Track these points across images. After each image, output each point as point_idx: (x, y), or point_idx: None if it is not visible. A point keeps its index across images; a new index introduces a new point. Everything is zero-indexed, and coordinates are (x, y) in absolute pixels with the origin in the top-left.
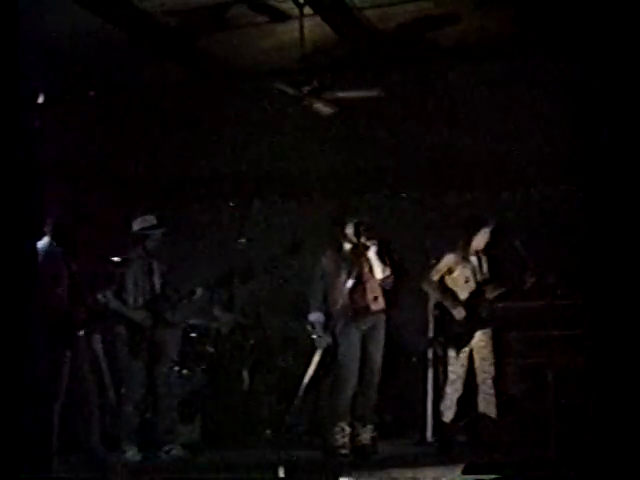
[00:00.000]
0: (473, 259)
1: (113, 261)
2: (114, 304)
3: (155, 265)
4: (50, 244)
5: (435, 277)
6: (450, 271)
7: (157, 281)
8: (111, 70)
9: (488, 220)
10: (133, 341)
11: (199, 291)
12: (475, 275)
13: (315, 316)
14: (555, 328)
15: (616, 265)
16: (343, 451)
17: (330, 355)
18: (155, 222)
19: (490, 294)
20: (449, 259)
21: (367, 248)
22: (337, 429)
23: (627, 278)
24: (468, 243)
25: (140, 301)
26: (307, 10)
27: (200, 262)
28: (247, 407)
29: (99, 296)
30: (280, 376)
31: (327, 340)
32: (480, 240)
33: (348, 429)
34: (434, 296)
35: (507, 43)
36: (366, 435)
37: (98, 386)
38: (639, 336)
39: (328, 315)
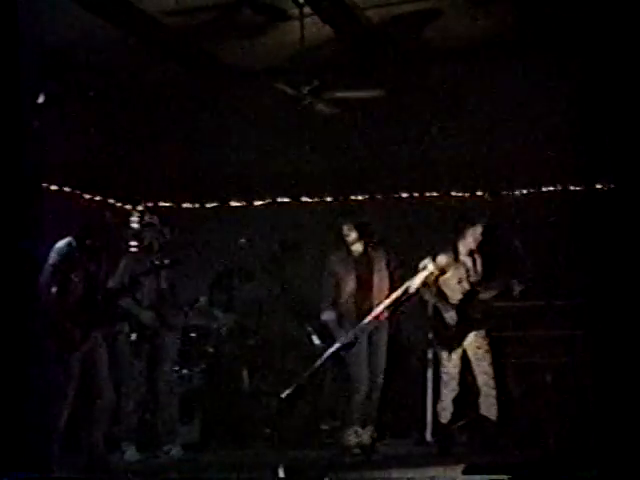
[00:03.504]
0: (467, 259)
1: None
2: (125, 302)
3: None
4: (69, 244)
5: (429, 279)
6: (443, 272)
7: (163, 282)
8: (111, 70)
9: (476, 219)
10: (137, 341)
11: (202, 299)
12: (469, 276)
13: (327, 315)
14: (555, 328)
15: (615, 265)
16: (355, 451)
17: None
18: (158, 222)
19: (484, 295)
20: (441, 260)
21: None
22: (350, 431)
23: (626, 279)
24: (454, 243)
25: (146, 301)
26: (307, 10)
27: (200, 262)
28: (247, 407)
29: (113, 295)
30: (280, 376)
31: (351, 337)
32: (471, 240)
33: (361, 431)
34: (428, 299)
35: (507, 42)
36: (366, 435)
37: (100, 387)
38: (638, 336)
39: (341, 314)
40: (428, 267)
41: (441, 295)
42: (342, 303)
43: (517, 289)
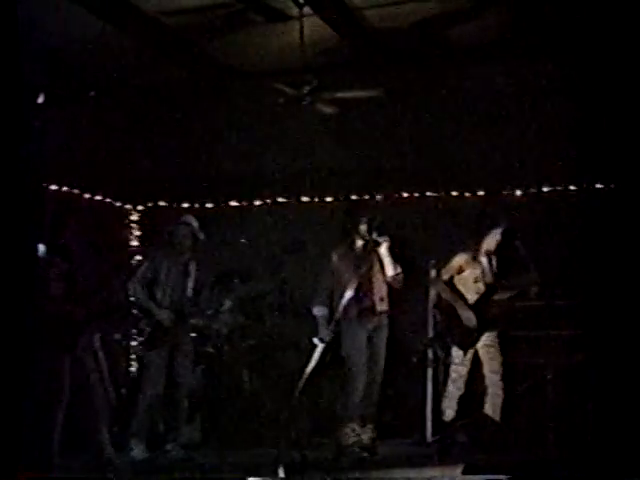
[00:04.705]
0: (484, 260)
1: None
2: (143, 299)
3: (192, 268)
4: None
5: (445, 277)
6: (460, 271)
7: (190, 284)
8: (111, 70)
9: (500, 220)
10: (154, 340)
11: (227, 303)
12: (485, 276)
13: (319, 310)
14: (555, 328)
15: (616, 265)
16: (354, 451)
17: (334, 351)
18: (194, 222)
19: (501, 296)
20: (460, 258)
21: (378, 244)
22: (348, 429)
23: (627, 279)
24: (478, 243)
25: (167, 300)
26: (307, 10)
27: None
28: (247, 407)
29: (129, 286)
30: (280, 376)
31: (330, 333)
32: (491, 241)
33: (359, 429)
34: (445, 297)
35: (508, 42)
36: (366, 435)
37: (102, 386)
38: (638, 336)
39: (332, 310)
40: (383, 242)
41: (458, 294)
42: (339, 300)
43: (533, 290)
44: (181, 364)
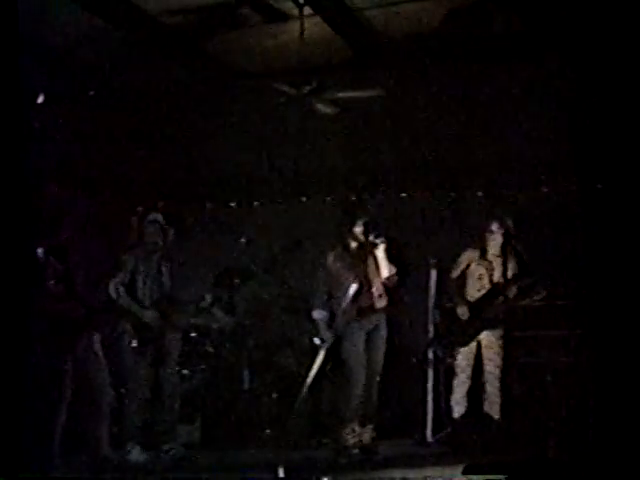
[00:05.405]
0: (496, 260)
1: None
2: (125, 301)
3: (164, 265)
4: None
5: (455, 273)
6: (468, 266)
7: (166, 282)
8: (111, 70)
9: (505, 220)
10: (140, 340)
11: (207, 297)
12: (491, 275)
13: (319, 313)
14: (555, 328)
15: (616, 265)
16: (354, 451)
17: (333, 353)
18: (162, 220)
19: (527, 301)
20: (466, 254)
21: (375, 246)
22: (347, 430)
23: (627, 279)
24: (483, 242)
25: (148, 301)
26: (307, 10)
27: (200, 262)
28: (247, 407)
29: (111, 289)
30: (280, 376)
31: (332, 336)
32: (496, 241)
33: (358, 429)
34: (450, 293)
35: (509, 42)
36: (367, 435)
37: (102, 386)
38: (639, 336)
39: (332, 313)
40: (379, 244)
41: (460, 289)
42: (337, 302)
43: (538, 297)
44: (168, 363)
